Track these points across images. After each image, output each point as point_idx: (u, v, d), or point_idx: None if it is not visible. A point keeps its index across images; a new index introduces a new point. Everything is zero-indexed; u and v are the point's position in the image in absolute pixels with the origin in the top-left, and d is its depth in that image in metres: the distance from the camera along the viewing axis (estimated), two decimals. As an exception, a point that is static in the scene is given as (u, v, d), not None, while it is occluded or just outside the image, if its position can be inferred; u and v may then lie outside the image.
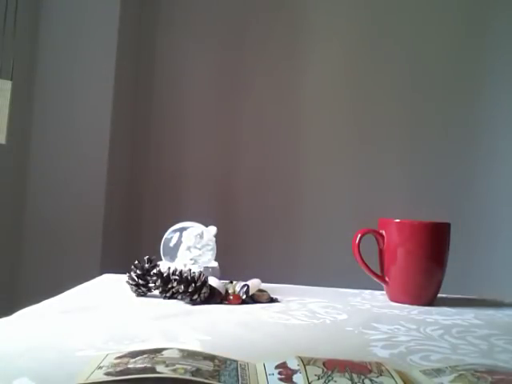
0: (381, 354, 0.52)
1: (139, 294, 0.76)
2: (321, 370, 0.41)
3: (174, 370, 0.39)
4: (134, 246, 1.88)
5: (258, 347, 0.52)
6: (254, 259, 1.88)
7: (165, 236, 0.87)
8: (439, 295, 0.82)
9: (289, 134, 2.02)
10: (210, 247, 0.87)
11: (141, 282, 0.75)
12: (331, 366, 0.42)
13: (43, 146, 1.72)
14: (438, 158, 1.99)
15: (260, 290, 0.77)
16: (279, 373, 0.41)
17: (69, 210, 1.70)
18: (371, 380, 0.40)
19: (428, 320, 0.69)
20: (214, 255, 0.88)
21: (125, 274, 0.78)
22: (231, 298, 0.74)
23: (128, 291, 0.77)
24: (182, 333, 0.56)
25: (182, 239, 0.87)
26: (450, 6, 2.00)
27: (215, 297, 0.74)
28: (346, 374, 0.40)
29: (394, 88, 2.01)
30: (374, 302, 0.81)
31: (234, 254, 1.76)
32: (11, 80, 1.46)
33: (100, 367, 0.41)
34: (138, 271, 0.76)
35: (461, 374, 0.43)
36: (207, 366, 0.41)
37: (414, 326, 0.64)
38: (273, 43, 2.03)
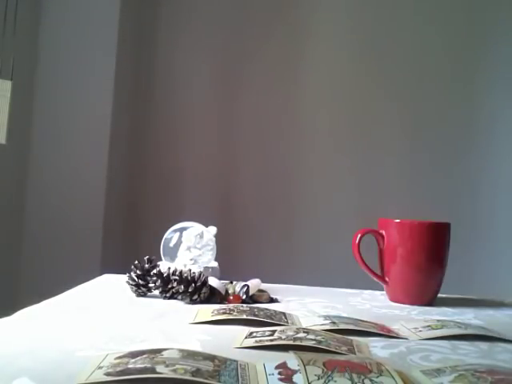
0: (381, 353, 0.52)
1: (139, 294, 0.76)
2: (321, 370, 0.41)
3: (174, 370, 0.39)
4: (133, 245, 1.88)
5: (258, 347, 0.52)
6: (254, 259, 1.88)
7: (165, 236, 0.87)
8: (439, 295, 0.82)
9: (289, 133, 2.02)
10: (210, 247, 0.87)
11: (141, 282, 0.75)
12: (331, 366, 0.42)
13: (43, 146, 1.72)
14: (438, 157, 1.99)
15: (260, 290, 0.77)
16: (279, 373, 0.41)
17: (69, 210, 1.70)
18: (371, 380, 0.40)
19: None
20: (214, 255, 0.88)
21: (125, 274, 0.78)
22: (231, 298, 0.74)
23: (128, 291, 0.77)
24: (182, 333, 0.56)
25: (182, 239, 0.87)
26: (451, 8, 1.99)
27: (215, 297, 0.74)
28: (346, 374, 0.40)
29: (394, 88, 2.00)
30: (373, 302, 0.81)
31: (234, 254, 1.76)
32: (11, 80, 1.46)
33: (100, 367, 0.41)
34: (138, 271, 0.76)
35: (461, 374, 0.43)
36: (207, 366, 0.41)
37: (414, 326, 0.64)
38: (273, 41, 2.02)
